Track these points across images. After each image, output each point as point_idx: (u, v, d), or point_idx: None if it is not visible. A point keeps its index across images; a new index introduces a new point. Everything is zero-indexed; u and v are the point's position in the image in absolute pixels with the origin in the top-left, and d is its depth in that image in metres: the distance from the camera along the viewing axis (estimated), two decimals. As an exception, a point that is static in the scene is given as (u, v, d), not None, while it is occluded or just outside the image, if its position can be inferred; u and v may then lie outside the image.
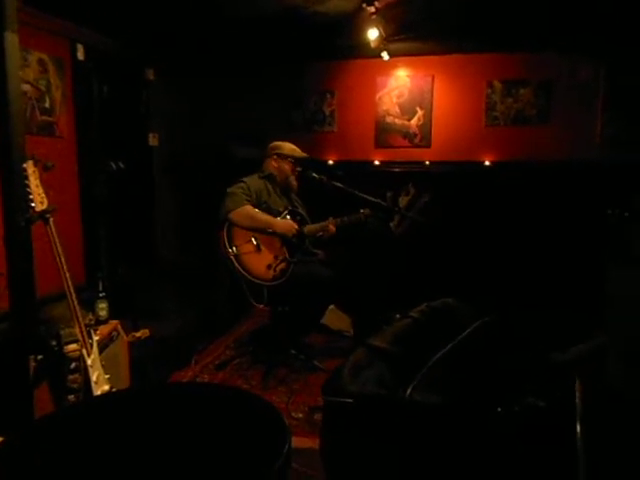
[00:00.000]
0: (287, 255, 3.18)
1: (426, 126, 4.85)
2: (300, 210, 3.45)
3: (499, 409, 1.34)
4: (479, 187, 4.50)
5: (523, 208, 4.41)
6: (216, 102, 5.17)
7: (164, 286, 4.43)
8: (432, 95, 4.82)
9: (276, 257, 3.14)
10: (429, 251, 4.34)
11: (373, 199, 3.23)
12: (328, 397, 1.48)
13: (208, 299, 4.16)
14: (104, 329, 2.61)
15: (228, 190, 3.19)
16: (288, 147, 3.37)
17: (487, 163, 4.67)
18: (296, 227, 3.22)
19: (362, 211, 3.36)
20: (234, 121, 5.06)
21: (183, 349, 3.48)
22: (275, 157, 3.38)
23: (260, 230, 3.11)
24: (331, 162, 4.96)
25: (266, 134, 3.77)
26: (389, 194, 3.33)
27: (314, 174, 3.30)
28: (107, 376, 2.21)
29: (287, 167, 3.37)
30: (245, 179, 3.29)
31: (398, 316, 3.47)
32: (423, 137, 4.87)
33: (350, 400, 1.39)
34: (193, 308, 4.10)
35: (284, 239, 3.18)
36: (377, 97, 4.93)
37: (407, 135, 4.90)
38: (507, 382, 1.48)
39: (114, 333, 2.68)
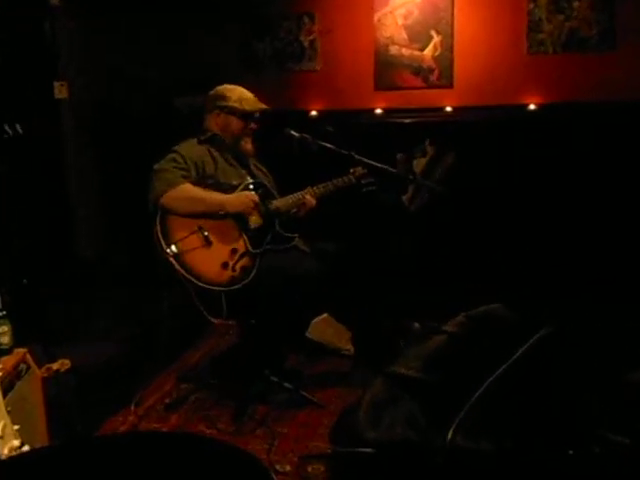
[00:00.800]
0: (249, 246, 3.19)
1: (445, 58, 4.89)
2: (265, 181, 3.48)
3: (571, 452, 1.36)
4: (521, 141, 4.44)
5: (583, 169, 4.38)
6: (149, 34, 5.13)
7: (87, 298, 4.39)
8: (452, 13, 4.84)
9: (234, 251, 3.15)
10: (456, 234, 4.32)
11: (378, 164, 3.25)
12: (340, 448, 1.49)
13: (149, 313, 4.12)
14: (8, 361, 2.55)
15: (155, 167, 3.21)
16: (236, 95, 3.37)
17: (531, 107, 4.66)
18: (255, 199, 3.25)
19: (351, 171, 3.37)
20: (176, 61, 5.06)
21: (118, 384, 3.49)
22: (217, 112, 3.39)
23: (207, 215, 3.14)
24: (314, 113, 4.93)
25: (220, 77, 3.70)
26: (400, 156, 3.45)
27: (292, 132, 3.31)
28: (16, 427, 2.15)
29: (235, 124, 3.38)
30: (178, 148, 3.30)
31: (417, 325, 3.71)
32: (442, 73, 4.91)
33: (370, 450, 1.42)
34: (129, 327, 4.07)
35: (244, 225, 3.22)
36: (376, 19, 4.95)
37: (420, 71, 4.93)
38: (578, 415, 1.51)
39: (22, 366, 2.61)
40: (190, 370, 3.83)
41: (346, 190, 3.41)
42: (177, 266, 2.99)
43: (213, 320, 3.13)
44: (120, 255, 4.73)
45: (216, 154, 3.36)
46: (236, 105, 3.33)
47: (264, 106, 3.40)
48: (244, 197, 3.24)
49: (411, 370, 1.78)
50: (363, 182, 3.37)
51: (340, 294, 3.57)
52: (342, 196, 3.42)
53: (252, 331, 3.31)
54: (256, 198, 3.25)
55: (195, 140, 3.37)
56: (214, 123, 3.39)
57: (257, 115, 3.38)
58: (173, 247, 3.01)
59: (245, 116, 3.35)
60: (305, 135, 3.31)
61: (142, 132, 4.80)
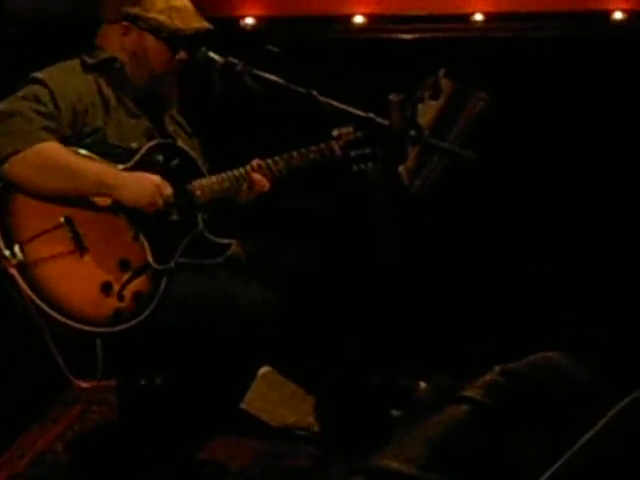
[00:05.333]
0: (151, 257, 2.74)
1: None
2: (184, 145, 2.94)
3: None
4: (600, 72, 3.72)
5: None
6: None
7: None
8: None
9: (123, 264, 2.72)
10: (489, 230, 3.78)
11: (356, 111, 2.65)
12: None
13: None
14: None
15: (1, 107, 2.66)
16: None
17: (618, 15, 3.85)
18: (168, 192, 2.72)
19: (335, 135, 2.90)
20: None
21: None
22: (125, 25, 2.78)
23: (81, 200, 2.66)
24: (250, 21, 4.08)
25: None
26: (394, 97, 2.77)
27: (211, 54, 2.70)
28: None
29: (155, 52, 2.82)
30: (45, 75, 2.72)
31: (423, 386, 3.43)
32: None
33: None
34: None
35: (142, 221, 2.74)
36: None
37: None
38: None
39: None
40: (29, 468, 3.09)
41: (319, 165, 2.88)
42: (21, 283, 2.52)
43: (79, 383, 2.59)
44: None
45: (109, 92, 2.80)
46: (162, 19, 2.76)
47: (206, 24, 2.84)
48: (148, 182, 2.69)
49: (408, 464, 1.26)
50: (354, 155, 2.84)
51: (296, 335, 3.06)
52: (310, 176, 2.94)
53: (142, 400, 2.87)
54: (168, 189, 2.69)
55: (78, 64, 2.79)
56: (117, 44, 2.83)
57: (192, 39, 2.82)
58: (17, 249, 2.56)
59: (174, 40, 2.79)
60: (233, 60, 2.66)
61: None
